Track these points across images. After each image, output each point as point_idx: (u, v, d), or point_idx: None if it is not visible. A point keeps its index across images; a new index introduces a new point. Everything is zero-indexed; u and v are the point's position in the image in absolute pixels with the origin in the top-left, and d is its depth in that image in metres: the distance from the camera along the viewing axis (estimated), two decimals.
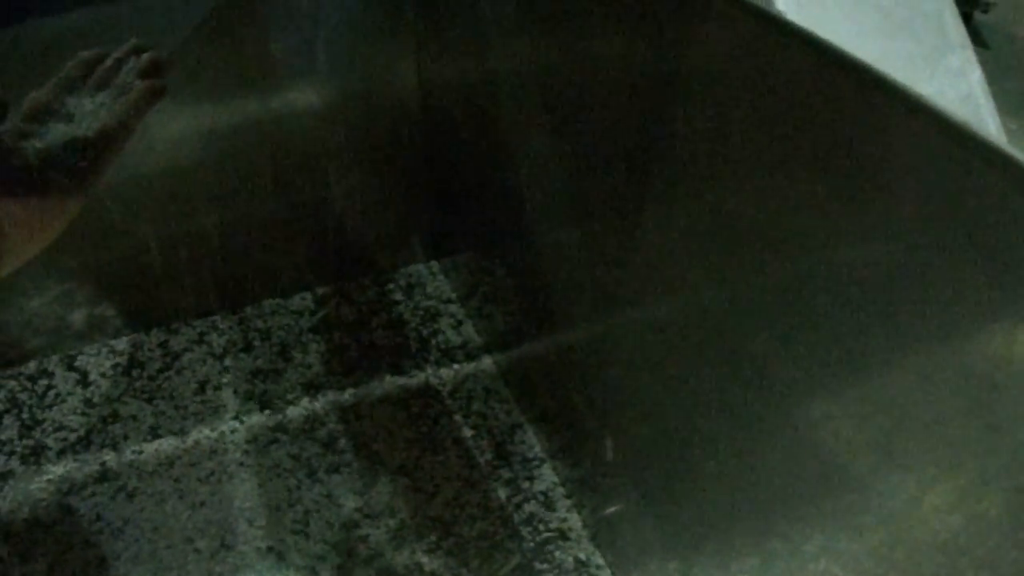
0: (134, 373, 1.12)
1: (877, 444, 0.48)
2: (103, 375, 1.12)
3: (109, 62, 0.73)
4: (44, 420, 1.06)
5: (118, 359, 1.14)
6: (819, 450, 0.54)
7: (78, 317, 1.13)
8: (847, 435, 0.51)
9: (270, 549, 0.91)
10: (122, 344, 1.16)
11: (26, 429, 1.05)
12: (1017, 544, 0.41)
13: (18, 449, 1.03)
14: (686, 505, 0.72)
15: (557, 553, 0.89)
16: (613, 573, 0.87)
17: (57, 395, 1.09)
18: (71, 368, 1.13)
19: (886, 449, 0.48)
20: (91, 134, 0.67)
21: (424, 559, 0.89)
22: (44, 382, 1.11)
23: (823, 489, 0.54)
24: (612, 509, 0.85)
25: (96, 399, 1.09)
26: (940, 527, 0.45)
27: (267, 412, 1.05)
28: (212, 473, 0.99)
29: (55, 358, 1.13)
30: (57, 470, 1.00)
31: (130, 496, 0.97)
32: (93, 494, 0.97)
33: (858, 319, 0.47)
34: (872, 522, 0.50)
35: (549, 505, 0.94)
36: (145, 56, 0.73)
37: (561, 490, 0.95)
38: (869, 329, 0.47)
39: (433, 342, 1.14)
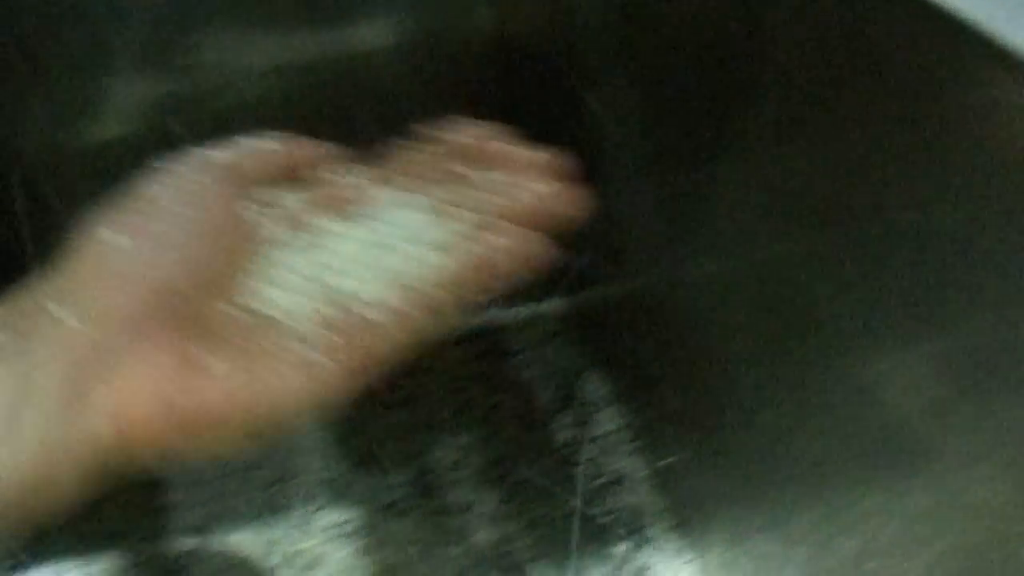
0: None
1: (934, 408, 0.48)
2: None
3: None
4: None
5: None
6: (878, 409, 0.54)
7: None
8: (906, 397, 0.51)
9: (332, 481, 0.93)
10: None
11: None
12: None
13: None
14: (747, 456, 0.73)
15: (614, 498, 0.90)
16: (671, 520, 0.87)
17: None
18: None
19: (943, 413, 0.48)
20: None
21: (478, 498, 0.91)
22: None
23: (879, 448, 0.54)
24: (673, 457, 0.86)
25: None
26: (990, 494, 0.45)
27: None
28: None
29: None
30: None
31: None
32: None
33: (930, 280, 0.47)
34: (925, 484, 0.50)
35: (610, 450, 0.94)
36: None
37: (624, 434, 0.95)
38: (941, 292, 0.46)
39: None
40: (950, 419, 0.47)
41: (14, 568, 0.84)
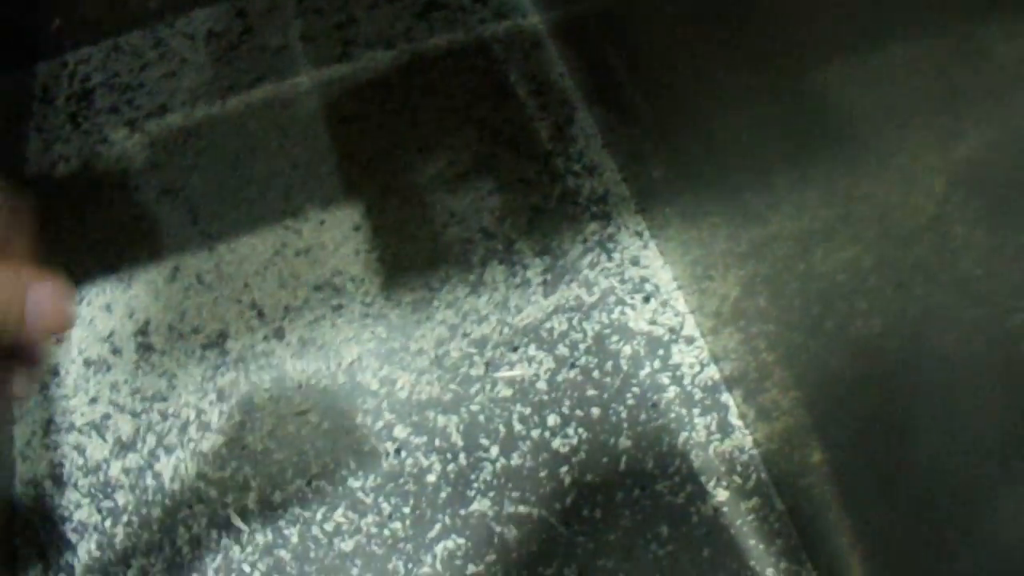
0: (212, 41, 1.23)
1: (883, 109, 0.52)
2: (183, 47, 1.23)
3: None
4: (133, 87, 1.19)
5: (195, 32, 1.25)
6: (826, 108, 0.57)
7: None
8: (856, 99, 0.54)
9: (348, 185, 1.05)
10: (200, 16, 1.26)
11: (120, 95, 1.18)
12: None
13: (112, 120, 1.16)
14: (702, 149, 0.79)
15: (586, 185, 1.01)
16: (635, 206, 0.99)
17: (143, 66, 1.21)
18: (157, 44, 1.24)
19: (890, 114, 0.51)
20: None
21: (464, 185, 1.02)
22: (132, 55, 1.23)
23: (825, 144, 0.58)
24: (637, 152, 0.96)
25: (178, 65, 1.21)
26: (922, 185, 0.50)
27: (336, 65, 1.17)
28: (290, 119, 1.12)
29: (137, 32, 1.25)
30: (150, 127, 1.14)
31: (212, 146, 1.11)
32: (175, 151, 1.12)
33: None
34: (863, 175, 0.55)
35: (584, 146, 1.05)
36: None
37: (596, 132, 1.06)
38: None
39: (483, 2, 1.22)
40: (897, 118, 0.51)
41: None
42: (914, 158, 0.50)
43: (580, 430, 0.85)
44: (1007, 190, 0.44)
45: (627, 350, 0.89)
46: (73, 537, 0.86)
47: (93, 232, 1.07)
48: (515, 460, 0.84)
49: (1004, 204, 0.44)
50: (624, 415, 0.86)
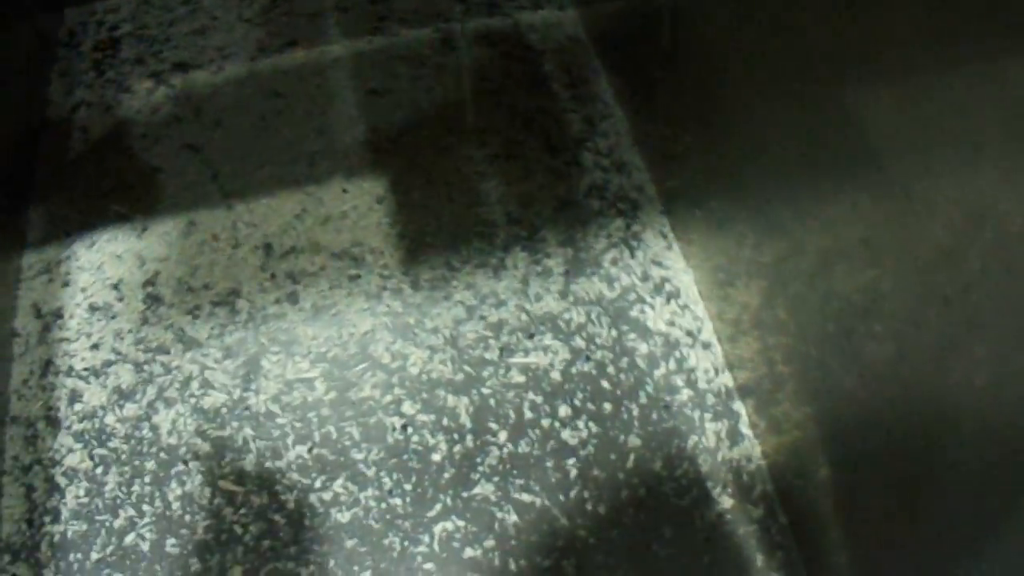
0: (244, 2, 1.22)
1: (908, 138, 0.53)
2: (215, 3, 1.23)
3: None
4: (160, 41, 1.18)
5: None
6: (853, 131, 0.59)
7: None
8: (883, 126, 0.56)
9: (373, 158, 1.04)
10: None
11: (148, 46, 1.17)
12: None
13: (138, 70, 1.15)
14: (732, 156, 0.80)
15: (614, 182, 1.01)
16: (661, 206, 0.99)
17: (172, 21, 1.21)
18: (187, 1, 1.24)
19: (914, 144, 0.52)
20: None
21: (492, 169, 1.02)
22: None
23: (851, 164, 0.60)
24: (668, 152, 0.96)
25: (208, 22, 1.20)
26: (943, 211, 0.51)
27: (369, 37, 1.16)
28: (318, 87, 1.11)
29: None
30: (176, 81, 1.13)
31: (241, 107, 1.10)
32: (200, 107, 1.11)
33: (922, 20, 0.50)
34: (887, 197, 0.56)
35: (614, 142, 1.05)
36: None
37: (626, 130, 1.05)
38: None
39: None
40: (916, 138, 0.52)
41: None
42: (935, 188, 0.51)
43: (590, 424, 0.84)
44: (1022, 227, 0.45)
45: (643, 349, 0.88)
46: (62, 481, 0.84)
47: (109, 179, 1.05)
48: (523, 447, 0.83)
49: (1020, 240, 0.45)
50: (636, 413, 0.85)
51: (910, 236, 0.54)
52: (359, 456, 0.84)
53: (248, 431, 0.86)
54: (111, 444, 0.86)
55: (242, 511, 0.82)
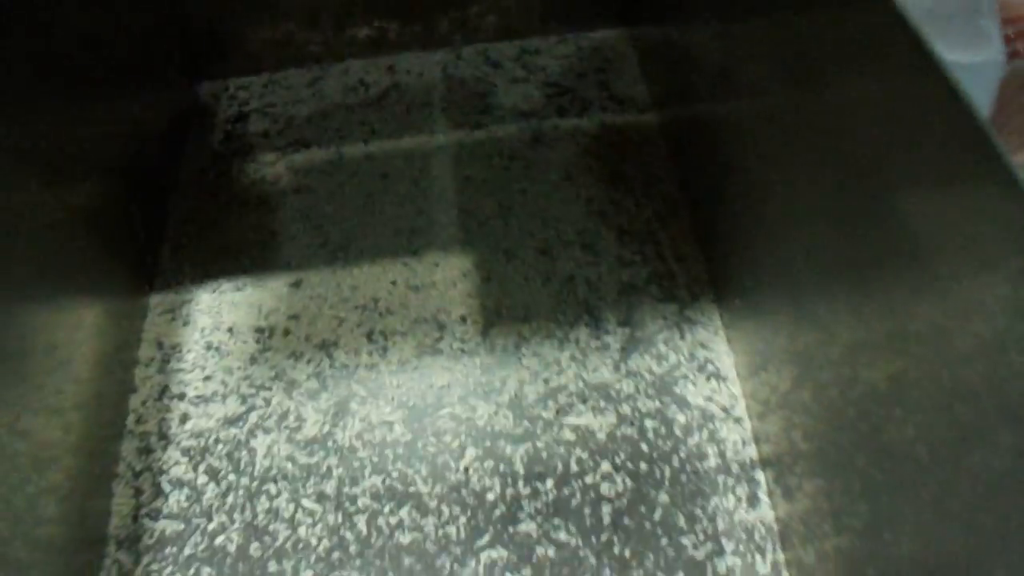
0: (360, 91, 1.39)
1: (948, 228, 0.54)
2: (335, 90, 1.40)
3: None
4: (285, 118, 1.35)
5: (348, 80, 1.41)
6: (894, 229, 0.61)
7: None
8: (923, 220, 0.57)
9: (464, 237, 1.18)
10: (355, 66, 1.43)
11: (273, 122, 1.34)
12: None
13: (263, 143, 1.32)
14: (786, 254, 0.87)
15: (675, 271, 1.13)
16: (712, 296, 1.10)
17: (297, 101, 1.38)
18: (312, 83, 1.41)
19: (954, 237, 0.53)
20: None
21: (566, 253, 1.15)
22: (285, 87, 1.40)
23: (891, 260, 0.62)
24: (724, 248, 1.07)
25: (328, 105, 1.37)
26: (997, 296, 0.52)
27: (470, 130, 1.32)
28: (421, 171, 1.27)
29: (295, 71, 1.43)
30: (296, 156, 1.30)
31: (351, 177, 1.25)
32: (317, 181, 1.26)
33: None
34: (929, 296, 0.58)
35: (675, 234, 1.17)
36: None
37: (693, 233, 1.17)
38: None
39: (608, 93, 1.36)
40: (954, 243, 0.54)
41: None
42: (979, 285, 0.52)
43: (627, 479, 0.95)
44: None
45: (681, 419, 0.99)
46: (167, 487, 0.98)
47: (231, 236, 1.21)
48: (565, 493, 0.94)
49: None
50: (668, 474, 0.95)
51: (946, 330, 0.56)
52: (425, 489, 0.96)
53: (332, 460, 0.99)
54: (213, 461, 1.00)
55: (318, 526, 0.94)
